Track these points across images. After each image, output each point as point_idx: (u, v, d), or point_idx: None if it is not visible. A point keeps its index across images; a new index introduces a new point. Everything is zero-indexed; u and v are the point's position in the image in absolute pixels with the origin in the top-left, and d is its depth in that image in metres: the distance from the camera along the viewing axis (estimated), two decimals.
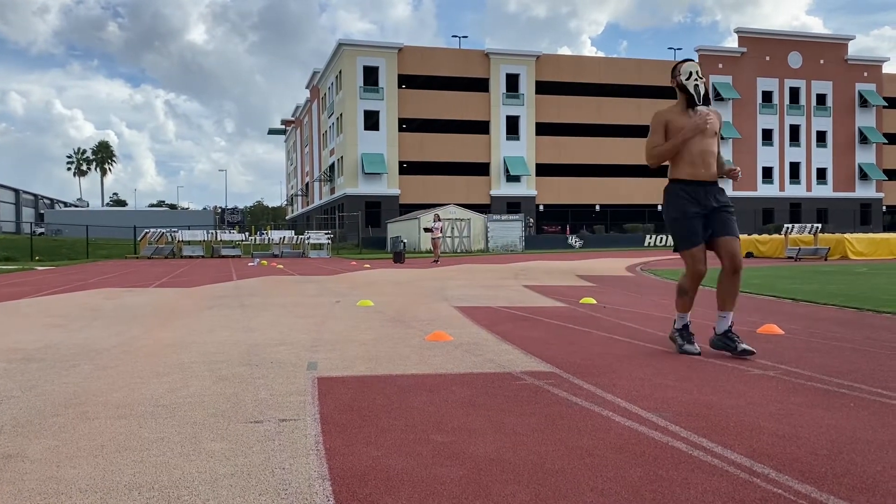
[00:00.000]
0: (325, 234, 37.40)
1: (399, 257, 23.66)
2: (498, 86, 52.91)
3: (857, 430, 2.73)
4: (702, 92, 4.43)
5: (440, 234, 24.75)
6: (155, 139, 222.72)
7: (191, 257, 33.94)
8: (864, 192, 60.72)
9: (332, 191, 56.60)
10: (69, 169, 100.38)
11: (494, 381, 3.74)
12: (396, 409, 3.15)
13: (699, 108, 4.46)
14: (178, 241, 35.37)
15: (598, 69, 55.20)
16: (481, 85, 53.05)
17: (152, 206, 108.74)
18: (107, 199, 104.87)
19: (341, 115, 51.84)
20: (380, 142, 50.86)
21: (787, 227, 24.67)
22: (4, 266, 23.74)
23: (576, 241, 44.62)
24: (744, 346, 4.29)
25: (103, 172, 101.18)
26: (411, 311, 7.41)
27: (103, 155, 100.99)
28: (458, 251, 38.44)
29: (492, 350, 4.80)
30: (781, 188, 58.68)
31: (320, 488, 2.14)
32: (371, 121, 51.09)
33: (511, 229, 40.63)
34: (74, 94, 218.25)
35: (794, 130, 59.12)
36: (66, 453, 2.51)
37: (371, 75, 50.88)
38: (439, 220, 25.05)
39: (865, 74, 59.92)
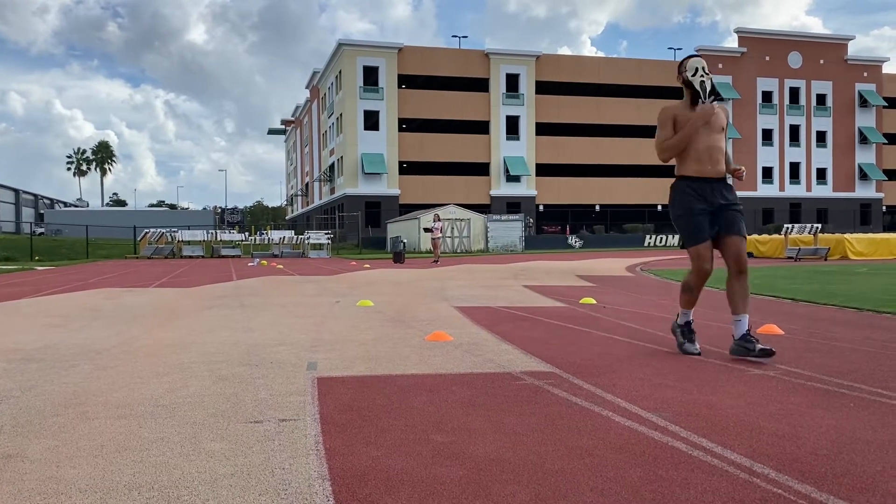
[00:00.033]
0: (325, 234, 37.40)
1: (399, 257, 23.66)
2: (498, 86, 52.92)
3: (857, 430, 2.73)
4: (708, 88, 4.37)
5: (440, 235, 24.75)
6: (155, 139, 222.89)
7: (191, 257, 33.94)
8: (864, 192, 60.73)
9: (332, 191, 56.59)
10: (69, 169, 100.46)
11: (494, 381, 3.74)
12: (396, 409, 3.15)
13: (704, 103, 4.40)
14: (178, 241, 35.37)
15: (598, 69, 55.20)
16: (481, 85, 53.05)
17: (152, 206, 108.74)
18: (107, 199, 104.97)
19: (341, 115, 51.84)
20: (380, 142, 50.87)
21: (787, 228, 24.67)
22: (4, 266, 23.74)
23: (576, 242, 44.62)
24: (762, 346, 4.18)
25: (103, 172, 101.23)
26: (411, 312, 7.41)
27: (103, 155, 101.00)
28: (458, 251, 38.44)
29: (492, 350, 4.80)
30: (781, 188, 58.69)
31: (320, 488, 2.14)
32: (371, 121, 51.10)
33: (511, 229, 40.63)
34: (74, 94, 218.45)
35: (794, 130, 59.13)
36: (66, 453, 2.51)
37: (371, 75, 50.88)
38: (439, 220, 25.04)
39: (865, 74, 59.93)
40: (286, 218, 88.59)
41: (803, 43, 59.10)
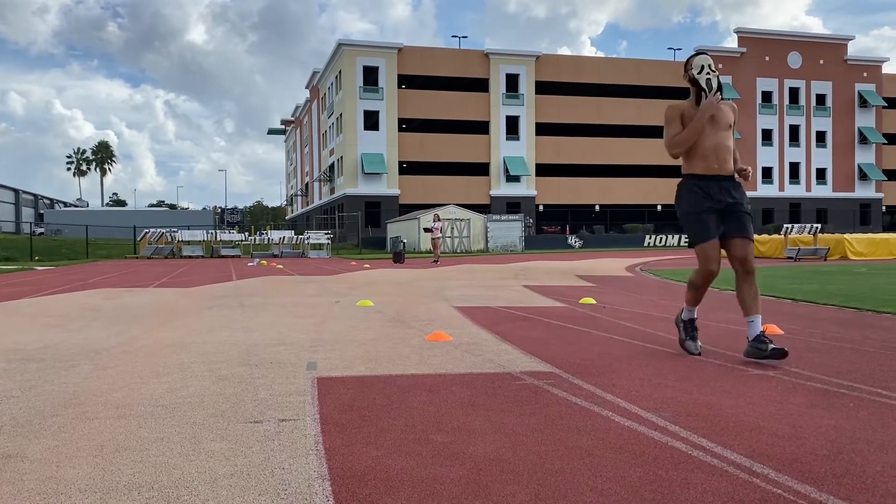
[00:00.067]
0: (325, 234, 37.41)
1: (399, 257, 23.66)
2: (498, 86, 52.92)
3: (856, 430, 2.73)
4: (714, 85, 4.32)
5: (440, 235, 24.75)
6: (155, 139, 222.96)
7: (190, 257, 33.93)
8: (864, 192, 60.74)
9: (332, 191, 56.59)
10: (69, 169, 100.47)
11: (494, 382, 3.74)
12: (396, 409, 3.15)
13: (708, 96, 4.34)
14: (178, 241, 35.36)
15: (598, 69, 55.21)
16: (481, 85, 53.06)
17: (152, 206, 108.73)
18: (106, 199, 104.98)
19: (341, 115, 51.84)
20: (379, 142, 50.87)
21: (787, 228, 24.67)
22: (4, 266, 23.74)
23: (575, 242, 44.62)
24: (774, 346, 4.09)
25: (103, 172, 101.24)
26: (411, 312, 7.41)
27: (103, 155, 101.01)
28: (458, 251, 38.44)
29: (491, 350, 4.80)
30: (781, 188, 58.70)
31: (320, 488, 2.14)
32: (371, 121, 51.10)
33: (511, 229, 40.64)
34: (74, 94, 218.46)
35: (794, 130, 59.15)
36: (66, 453, 2.51)
37: (371, 75, 50.88)
38: (439, 220, 25.04)
39: (865, 75, 59.94)
40: (286, 218, 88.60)
41: (803, 43, 59.11)
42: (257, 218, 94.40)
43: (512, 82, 53.36)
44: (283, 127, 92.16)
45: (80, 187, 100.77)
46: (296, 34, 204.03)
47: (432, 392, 3.49)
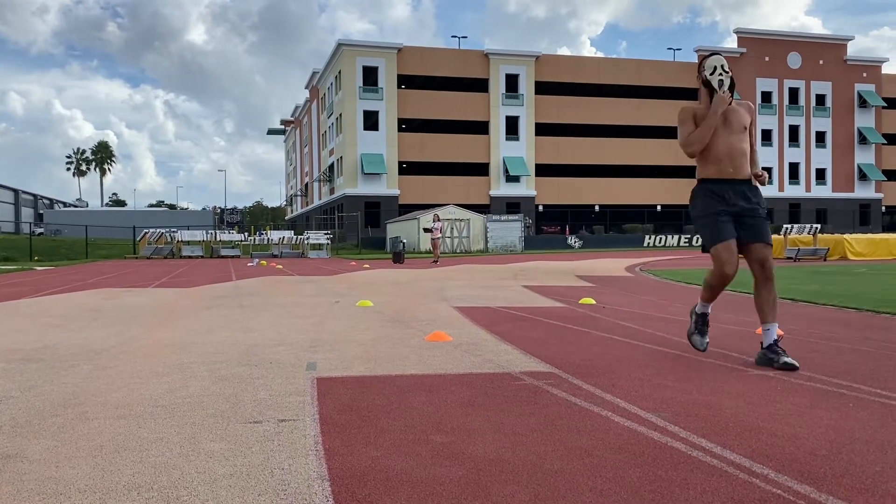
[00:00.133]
0: (325, 234, 37.41)
1: (398, 257, 23.66)
2: (497, 86, 52.93)
3: (856, 431, 2.73)
4: (726, 85, 4.25)
5: (440, 235, 24.75)
6: (154, 139, 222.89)
7: (190, 257, 33.93)
8: (864, 192, 60.76)
9: (332, 191, 56.59)
10: (68, 169, 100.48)
11: (494, 382, 3.74)
12: (396, 409, 3.15)
13: (717, 92, 4.26)
14: (178, 241, 35.37)
15: (598, 69, 55.22)
16: (481, 85, 53.06)
17: (151, 206, 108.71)
18: (106, 200, 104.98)
19: (341, 115, 51.84)
20: (379, 142, 50.87)
21: (787, 228, 24.68)
22: (3, 266, 23.73)
23: (575, 242, 44.63)
24: (786, 359, 4.00)
25: (102, 172, 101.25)
26: (410, 312, 7.41)
27: (103, 155, 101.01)
28: (458, 251, 38.44)
29: (491, 350, 4.80)
30: (780, 189, 58.70)
31: (319, 489, 2.14)
32: (370, 121, 51.10)
33: (510, 230, 40.64)
34: (74, 94, 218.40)
35: (794, 131, 59.16)
36: (65, 453, 2.51)
37: (370, 75, 50.89)
38: (439, 220, 25.04)
39: (864, 75, 59.96)
40: (286, 218, 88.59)
41: (803, 43, 59.13)
42: (257, 218, 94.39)
43: (512, 82, 53.37)
44: (282, 127, 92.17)
45: (80, 187, 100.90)
46: (295, 34, 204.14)
47: (432, 392, 3.49)
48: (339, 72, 51.82)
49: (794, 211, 57.83)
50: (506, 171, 52.80)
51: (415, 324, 6.34)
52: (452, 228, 39.17)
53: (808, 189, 59.50)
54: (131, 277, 15.77)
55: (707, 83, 4.30)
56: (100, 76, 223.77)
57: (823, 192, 59.76)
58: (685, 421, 2.90)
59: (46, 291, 11.28)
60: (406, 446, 2.58)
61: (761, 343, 4.22)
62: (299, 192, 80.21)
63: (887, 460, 2.38)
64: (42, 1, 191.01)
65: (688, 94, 55.61)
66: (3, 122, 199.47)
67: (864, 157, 60.54)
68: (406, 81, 51.71)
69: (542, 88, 53.93)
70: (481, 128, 53.09)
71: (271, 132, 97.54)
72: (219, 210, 71.15)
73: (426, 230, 26.38)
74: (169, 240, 35.30)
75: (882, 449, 2.50)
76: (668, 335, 5.46)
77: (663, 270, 16.12)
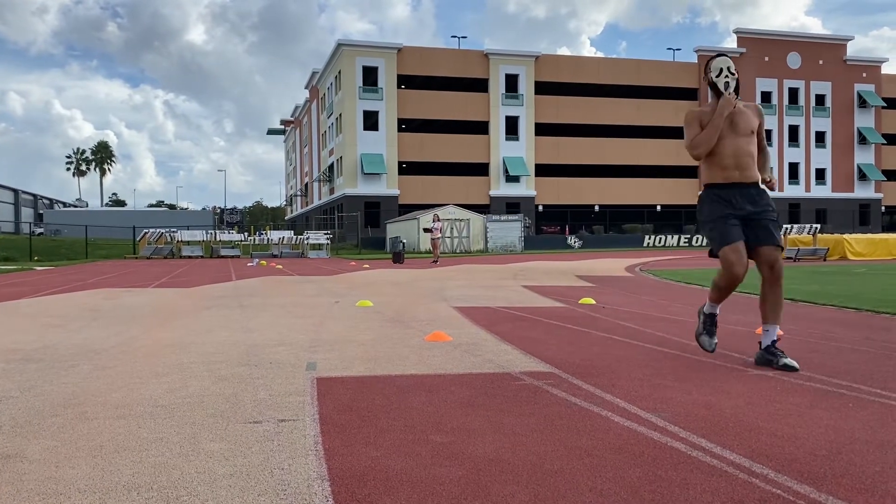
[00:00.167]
0: (325, 234, 37.40)
1: (398, 257, 23.66)
2: (497, 86, 52.92)
3: (855, 431, 2.73)
4: (731, 87, 4.22)
5: (439, 235, 24.75)
6: (154, 139, 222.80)
7: (190, 257, 33.92)
8: (863, 192, 60.76)
9: (332, 191, 56.59)
10: (68, 169, 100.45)
11: (493, 382, 3.74)
12: (395, 409, 3.15)
13: (723, 94, 4.24)
14: (178, 241, 35.35)
15: (598, 69, 55.22)
16: (480, 85, 53.06)
17: (151, 206, 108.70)
18: (106, 200, 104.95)
19: (340, 115, 51.84)
20: (379, 142, 50.87)
21: (786, 228, 24.70)
22: (3, 266, 23.73)
23: (575, 242, 44.64)
24: (786, 360, 4.00)
25: (102, 172, 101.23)
26: (410, 312, 7.41)
27: (102, 155, 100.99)
28: (458, 251, 38.44)
29: (491, 350, 4.80)
30: (780, 189, 58.68)
31: (319, 489, 2.14)
32: (370, 121, 51.10)
33: (510, 230, 40.64)
34: (73, 94, 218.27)
35: (793, 131, 59.16)
36: (65, 453, 2.51)
37: (370, 75, 50.88)
38: (438, 220, 25.04)
39: (864, 75, 59.96)
40: (285, 218, 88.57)
41: (802, 43, 59.13)
42: (257, 218, 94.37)
43: (511, 82, 53.36)
44: (282, 127, 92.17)
45: (80, 187, 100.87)
46: (295, 34, 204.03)
47: (432, 392, 3.49)
48: (339, 72, 51.82)
49: (794, 211, 57.82)
50: (505, 171, 52.79)
51: (415, 324, 6.34)
52: (452, 228, 39.17)
53: (807, 189, 59.51)
54: (131, 277, 15.77)
55: (713, 85, 4.26)
56: (99, 76, 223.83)
57: (823, 192, 59.77)
58: (685, 421, 2.90)
59: (46, 291, 11.28)
60: (406, 446, 2.58)
61: (760, 343, 4.22)
62: (299, 192, 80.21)
63: (887, 460, 2.38)
64: (42, 1, 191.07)
65: (687, 94, 55.65)
66: (3, 122, 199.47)
67: (863, 157, 60.55)
68: (406, 81, 51.71)
69: (542, 88, 53.92)
70: (481, 128, 53.09)
71: (271, 132, 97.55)
72: (219, 210, 71.14)
73: (426, 230, 26.38)
74: (169, 240, 35.29)
75: (882, 449, 2.50)
76: (668, 335, 5.47)
77: (663, 270, 16.12)
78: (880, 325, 6.04)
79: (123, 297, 9.78)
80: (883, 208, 61.57)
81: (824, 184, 59.88)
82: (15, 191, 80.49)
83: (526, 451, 2.52)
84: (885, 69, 61.28)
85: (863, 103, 59.63)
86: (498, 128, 53.04)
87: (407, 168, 52.28)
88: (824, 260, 21.50)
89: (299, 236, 37.59)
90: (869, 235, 25.22)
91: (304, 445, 2.59)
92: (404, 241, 26.59)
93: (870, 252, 22.44)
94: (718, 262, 4.23)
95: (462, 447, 2.56)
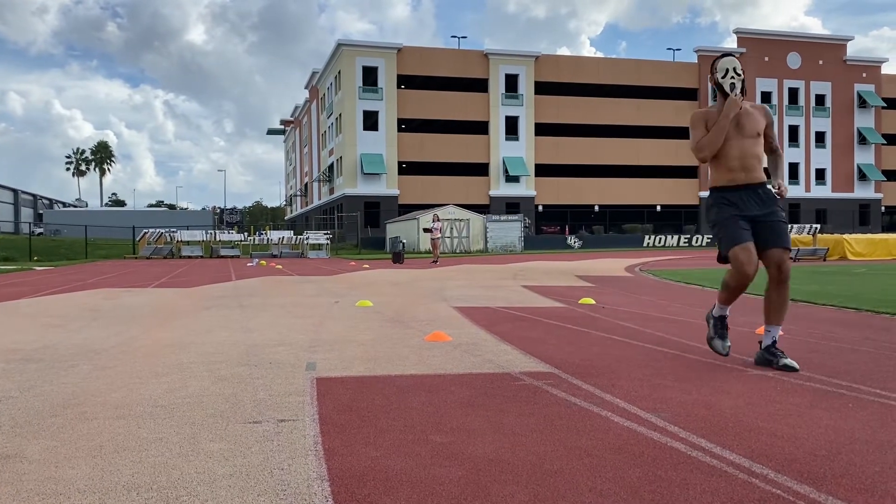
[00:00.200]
0: (324, 234, 37.40)
1: (398, 258, 23.66)
2: (497, 86, 52.91)
3: (855, 431, 2.73)
4: (738, 88, 4.17)
5: (439, 235, 24.75)
6: (154, 139, 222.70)
7: (189, 257, 33.91)
8: (863, 192, 60.76)
9: (331, 191, 56.58)
10: (68, 169, 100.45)
11: (493, 382, 3.74)
12: (395, 409, 3.15)
13: (729, 95, 4.18)
14: (177, 241, 35.35)
15: (598, 69, 55.21)
16: (480, 85, 53.05)
17: (151, 206, 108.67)
18: (105, 200, 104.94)
19: (340, 115, 51.84)
20: (379, 142, 50.86)
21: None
22: (3, 266, 23.72)
23: (575, 242, 44.63)
24: (786, 361, 3.99)
25: (102, 172, 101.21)
26: (410, 312, 7.41)
27: (102, 155, 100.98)
28: (457, 252, 38.44)
29: (491, 350, 4.80)
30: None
31: (319, 489, 2.14)
32: (370, 121, 51.10)
33: (510, 230, 40.64)
34: (73, 94, 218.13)
35: (793, 131, 59.16)
36: (65, 454, 2.51)
37: (370, 75, 50.88)
38: (438, 220, 25.04)
39: (864, 75, 59.95)
40: (285, 218, 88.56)
41: (802, 43, 59.13)
42: (256, 218, 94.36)
43: (511, 82, 53.36)
44: (282, 127, 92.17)
45: (80, 187, 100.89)
46: (295, 34, 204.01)
47: (431, 392, 3.49)
48: (339, 72, 51.82)
49: (794, 211, 57.80)
50: (505, 171, 52.79)
51: (414, 324, 6.34)
52: (452, 228, 39.17)
53: (807, 189, 59.51)
54: (131, 277, 15.77)
55: (719, 86, 4.23)
56: (99, 76, 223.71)
57: (823, 192, 59.76)
58: (685, 421, 2.90)
59: (46, 291, 11.27)
60: (406, 446, 2.58)
61: (760, 343, 4.22)
62: (299, 192, 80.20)
63: (887, 460, 2.38)
64: (42, 1, 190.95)
65: (687, 94, 55.65)
66: (3, 122, 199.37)
67: (863, 157, 60.55)
68: (406, 81, 51.70)
69: (542, 88, 53.91)
70: (481, 128, 53.08)
71: (271, 132, 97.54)
72: (218, 210, 71.15)
73: (426, 230, 26.38)
74: (168, 240, 35.28)
75: (882, 449, 2.50)
76: (668, 335, 5.47)
77: (663, 270, 16.12)
78: (880, 325, 6.04)
79: (123, 297, 9.78)
80: (883, 208, 61.57)
81: (824, 184, 59.88)
82: (15, 191, 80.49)
83: (526, 451, 2.52)
84: (885, 69, 61.28)
85: (863, 103, 59.64)
86: (498, 128, 53.03)
87: (407, 168, 52.28)
88: (824, 260, 21.50)
89: (299, 236, 37.59)
90: (869, 235, 25.22)
91: (303, 445, 2.59)
92: (404, 241, 26.59)
93: (870, 252, 22.44)
94: (726, 265, 4.21)
95: (462, 447, 2.56)
